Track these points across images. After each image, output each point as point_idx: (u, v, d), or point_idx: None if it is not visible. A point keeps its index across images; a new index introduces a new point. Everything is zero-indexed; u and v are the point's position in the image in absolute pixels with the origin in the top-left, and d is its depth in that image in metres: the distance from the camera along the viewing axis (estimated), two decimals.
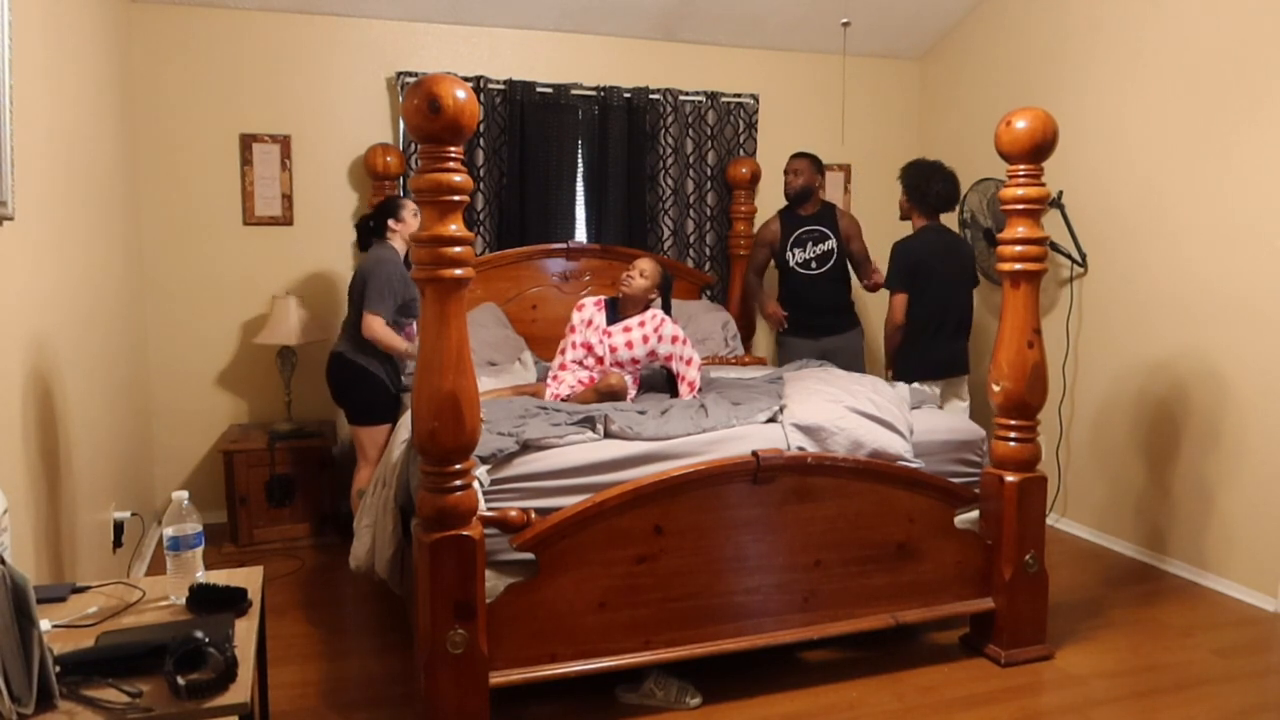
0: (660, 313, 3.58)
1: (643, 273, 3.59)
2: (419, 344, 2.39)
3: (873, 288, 4.35)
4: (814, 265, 4.40)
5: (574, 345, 3.58)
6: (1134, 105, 3.97)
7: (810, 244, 4.41)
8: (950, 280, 3.85)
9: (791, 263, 4.45)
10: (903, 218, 4.02)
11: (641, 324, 3.54)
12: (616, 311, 3.63)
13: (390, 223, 3.64)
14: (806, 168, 4.41)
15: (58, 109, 2.72)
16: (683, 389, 3.48)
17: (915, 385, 3.48)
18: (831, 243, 4.38)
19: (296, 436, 4.10)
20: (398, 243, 3.64)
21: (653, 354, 3.53)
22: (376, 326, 3.45)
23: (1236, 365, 3.55)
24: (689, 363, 3.51)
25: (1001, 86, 4.68)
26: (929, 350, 3.86)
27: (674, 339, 3.52)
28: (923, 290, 3.81)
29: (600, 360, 3.53)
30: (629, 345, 3.51)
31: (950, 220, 4.69)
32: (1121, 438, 4.07)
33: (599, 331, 3.57)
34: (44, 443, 2.44)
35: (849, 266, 4.45)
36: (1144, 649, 3.13)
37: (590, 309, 3.65)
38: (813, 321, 4.38)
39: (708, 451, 2.77)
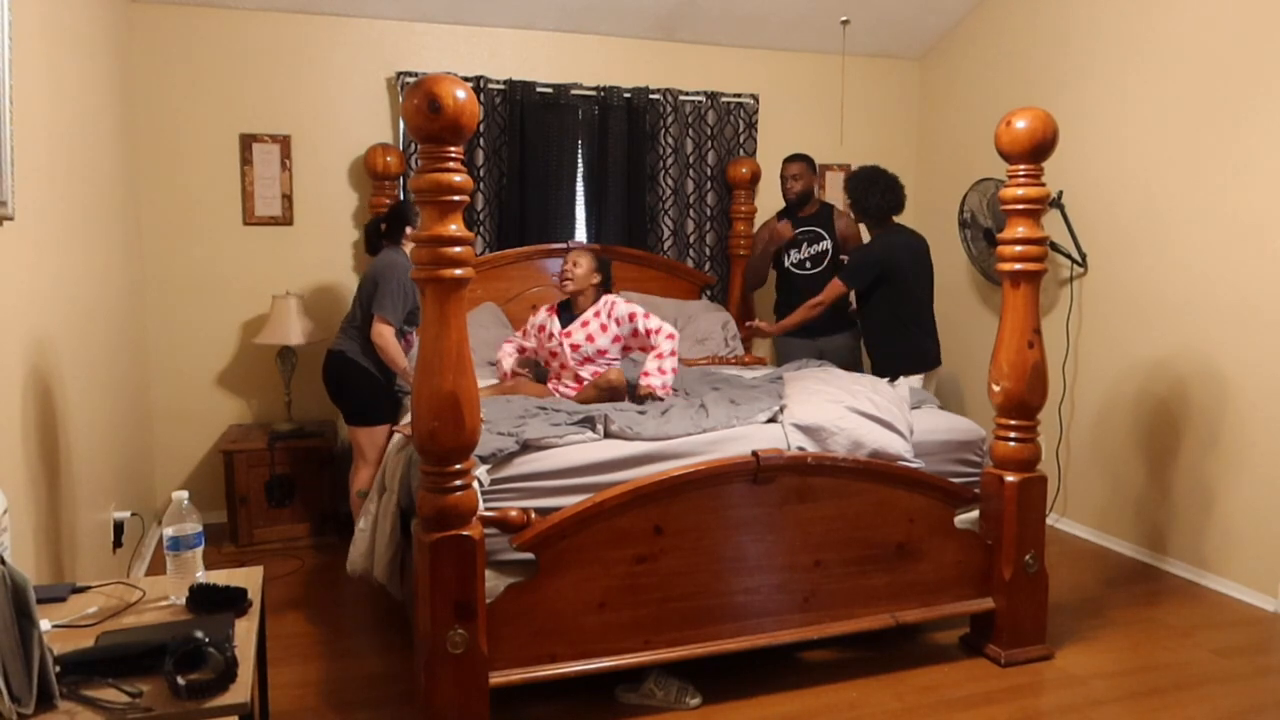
0: (610, 297, 3.58)
1: (575, 263, 3.59)
2: (419, 346, 2.39)
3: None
4: (809, 265, 4.42)
5: (534, 351, 3.66)
6: (1134, 105, 3.97)
7: (806, 244, 4.42)
8: (917, 278, 4.02)
9: (787, 263, 4.48)
10: (858, 222, 4.16)
11: (596, 314, 3.55)
12: (571, 311, 3.65)
13: (408, 230, 3.62)
14: (804, 171, 4.43)
15: (58, 109, 2.72)
16: (650, 363, 3.38)
17: (902, 380, 3.50)
18: (826, 243, 4.39)
19: (296, 436, 4.10)
20: (410, 249, 3.61)
21: (618, 339, 3.52)
22: (388, 336, 3.45)
23: (1236, 365, 3.55)
24: (658, 331, 3.44)
25: (1001, 86, 4.69)
26: (912, 346, 4.03)
27: (630, 316, 3.49)
28: (893, 290, 3.97)
29: (565, 366, 3.56)
30: (590, 339, 3.52)
31: (950, 219, 4.70)
32: (1121, 438, 4.07)
33: (557, 338, 3.59)
34: (44, 443, 2.44)
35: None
36: (1144, 649, 3.13)
37: (543, 315, 3.68)
38: (810, 321, 4.38)
39: (708, 451, 2.77)
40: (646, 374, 3.34)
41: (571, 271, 3.58)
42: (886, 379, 3.45)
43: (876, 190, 3.98)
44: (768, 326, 4.27)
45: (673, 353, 3.41)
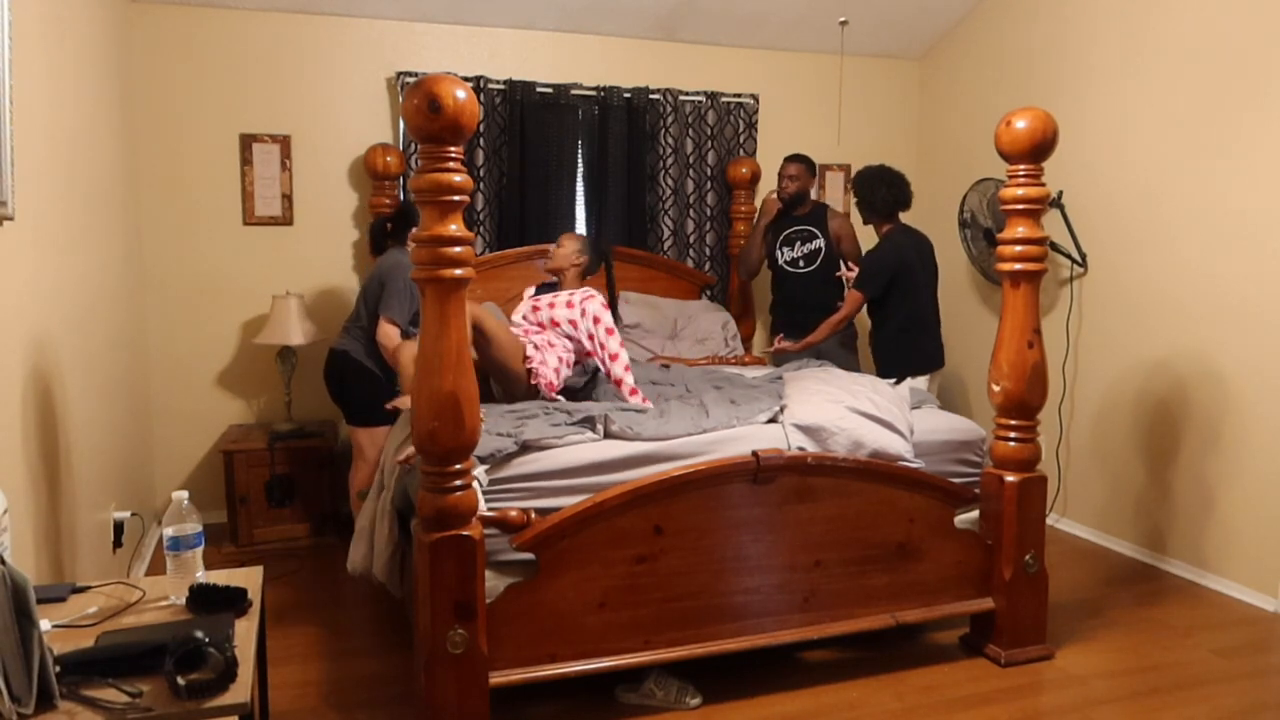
0: (592, 291, 3.47)
1: (560, 244, 3.57)
2: (419, 346, 2.39)
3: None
4: (801, 264, 4.43)
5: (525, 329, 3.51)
6: (1134, 105, 3.97)
7: (799, 243, 4.43)
8: (925, 277, 4.01)
9: (780, 260, 4.49)
10: (866, 223, 4.14)
11: (572, 294, 3.48)
12: (550, 290, 3.64)
13: (414, 230, 3.61)
14: (802, 172, 4.43)
15: (58, 109, 2.72)
16: (622, 390, 3.29)
17: (909, 382, 3.50)
18: (819, 242, 4.39)
19: (296, 436, 4.10)
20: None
21: (574, 323, 3.40)
22: (394, 336, 3.44)
23: (1236, 365, 3.55)
24: (614, 359, 3.31)
25: (1001, 86, 4.69)
26: (921, 346, 4.01)
27: (595, 320, 3.37)
28: (905, 290, 3.95)
29: (541, 325, 3.49)
30: (552, 305, 3.46)
31: (949, 219, 4.70)
32: (1121, 438, 4.07)
33: (528, 303, 3.57)
34: (44, 443, 2.44)
35: (841, 266, 4.45)
36: (1144, 649, 3.13)
37: (528, 299, 3.66)
38: (804, 320, 4.38)
39: (708, 451, 2.77)
40: (635, 392, 3.26)
41: (553, 251, 3.57)
42: (892, 380, 3.45)
43: (882, 185, 3.98)
44: (791, 345, 4.18)
45: (623, 381, 3.30)
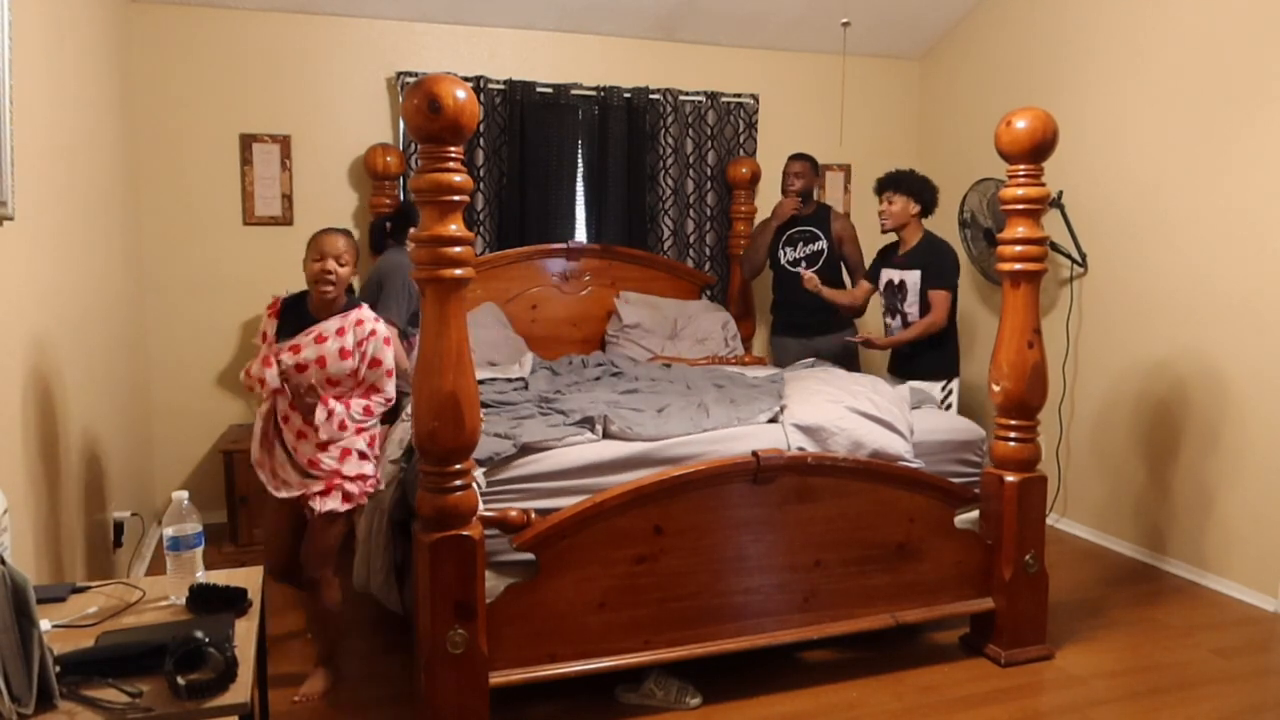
0: (365, 313, 2.66)
1: (340, 259, 2.62)
2: (418, 346, 2.38)
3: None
4: (804, 265, 4.42)
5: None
6: (1134, 105, 3.97)
7: (801, 244, 4.43)
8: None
9: (782, 260, 4.48)
10: (891, 229, 3.90)
11: (341, 331, 2.60)
12: (303, 314, 2.67)
13: (413, 230, 3.60)
14: (806, 170, 4.43)
15: (58, 109, 2.72)
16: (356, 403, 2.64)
17: (931, 384, 3.46)
18: (821, 243, 4.39)
19: None
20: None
21: (365, 364, 2.65)
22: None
23: (1236, 365, 3.55)
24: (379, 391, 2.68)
25: (1001, 86, 4.69)
26: (955, 349, 3.91)
27: (378, 361, 2.63)
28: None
29: (291, 392, 2.60)
30: (322, 362, 2.58)
31: (950, 219, 4.70)
32: (1121, 438, 4.07)
33: (275, 353, 2.60)
34: (44, 443, 2.44)
35: (842, 268, 4.45)
36: (1144, 649, 3.13)
37: (265, 322, 2.71)
38: (803, 321, 4.38)
39: (708, 451, 2.77)
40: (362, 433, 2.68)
41: (335, 274, 2.62)
42: (942, 384, 3.38)
43: (931, 186, 3.86)
44: (878, 340, 3.99)
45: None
